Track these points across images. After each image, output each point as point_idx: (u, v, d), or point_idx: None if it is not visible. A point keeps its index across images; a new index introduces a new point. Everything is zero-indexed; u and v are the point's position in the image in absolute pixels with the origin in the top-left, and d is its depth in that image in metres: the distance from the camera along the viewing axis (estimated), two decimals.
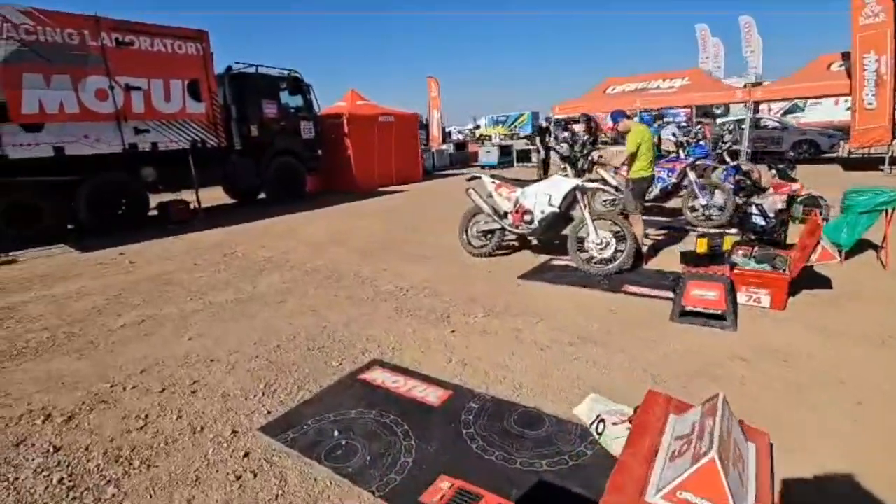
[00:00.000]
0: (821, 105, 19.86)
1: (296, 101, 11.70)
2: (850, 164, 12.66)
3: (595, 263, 4.83)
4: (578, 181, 4.88)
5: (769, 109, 20.08)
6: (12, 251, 6.89)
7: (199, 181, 9.16)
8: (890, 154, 10.73)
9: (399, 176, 14.52)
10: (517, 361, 3.08)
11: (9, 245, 6.93)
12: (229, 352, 3.44)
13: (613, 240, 4.78)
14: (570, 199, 4.95)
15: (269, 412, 2.65)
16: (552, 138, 11.46)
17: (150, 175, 8.76)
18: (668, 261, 5.07)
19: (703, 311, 3.42)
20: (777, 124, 15.36)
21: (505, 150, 19.14)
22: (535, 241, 5.87)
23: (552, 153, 11.54)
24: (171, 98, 8.61)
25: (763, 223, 4.56)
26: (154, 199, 9.30)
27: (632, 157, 4.74)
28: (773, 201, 4.58)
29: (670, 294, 4.07)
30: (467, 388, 2.77)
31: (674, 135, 8.71)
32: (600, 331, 3.47)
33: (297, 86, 11.59)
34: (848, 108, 20.23)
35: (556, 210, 4.93)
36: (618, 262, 4.67)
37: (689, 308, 3.46)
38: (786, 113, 19.63)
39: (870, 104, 10.61)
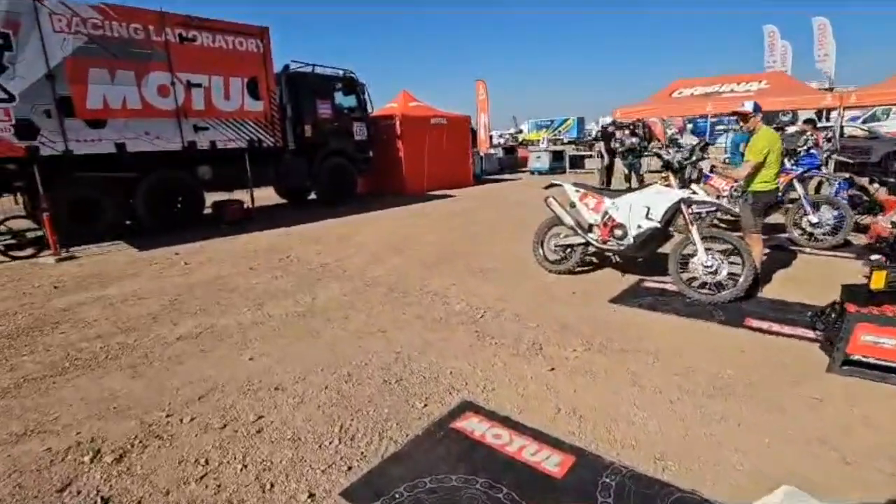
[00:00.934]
0: None
1: (349, 101, 11.45)
2: None
3: (701, 289, 4.15)
4: (684, 193, 4.21)
5: (841, 118, 18.44)
6: (73, 247, 6.84)
7: (252, 181, 8.98)
8: None
9: (449, 180, 14.07)
10: (645, 417, 2.48)
11: (70, 241, 6.89)
12: (295, 378, 3.00)
13: (725, 262, 4.09)
14: (671, 214, 4.29)
15: (349, 468, 2.17)
16: (618, 143, 10.68)
17: (206, 173, 8.64)
18: (785, 288, 4.33)
19: (875, 363, 2.71)
20: (866, 133, 13.93)
21: (557, 156, 18.38)
22: (616, 259, 5.23)
23: (617, 158, 10.81)
24: (231, 96, 8.47)
25: None
26: (209, 199, 9.21)
27: (757, 167, 4.02)
28: None
29: (809, 332, 3.38)
30: (593, 452, 2.21)
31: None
32: (738, 380, 2.82)
33: (352, 86, 11.34)
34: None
35: (657, 226, 4.29)
36: (733, 289, 3.98)
37: (855, 357, 2.76)
38: (864, 122, 17.93)
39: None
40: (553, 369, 3.02)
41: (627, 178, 10.97)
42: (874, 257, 4.24)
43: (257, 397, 2.80)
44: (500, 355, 3.25)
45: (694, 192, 4.22)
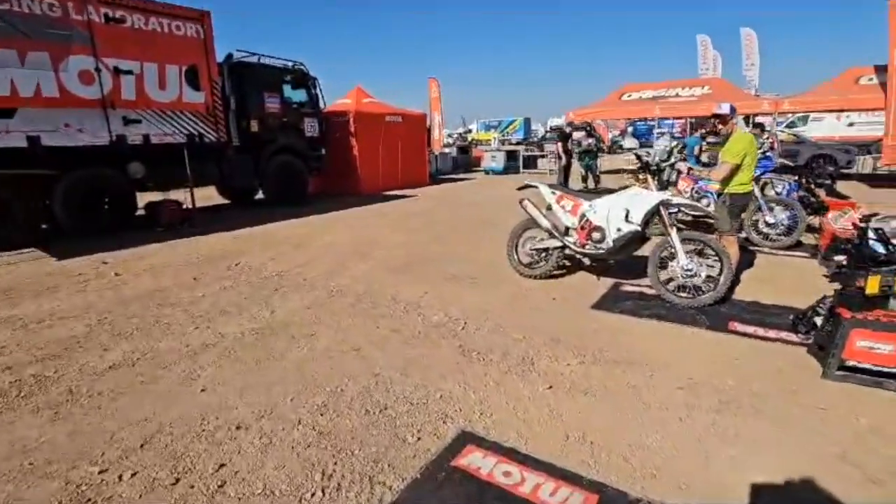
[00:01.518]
0: (823, 121, 19.72)
1: (300, 95, 10.80)
2: (875, 180, 12.29)
3: (680, 292, 4.09)
4: (663, 195, 4.14)
5: (775, 123, 19.83)
6: None
7: (193, 180, 8.20)
8: None
9: (405, 180, 13.70)
10: (659, 440, 2.29)
11: None
12: (259, 413, 2.58)
13: (704, 265, 4.05)
14: (651, 216, 4.21)
15: None
16: (575, 144, 10.77)
17: (138, 171, 7.76)
18: (755, 289, 4.37)
19: (869, 368, 2.69)
20: (794, 138, 14.99)
21: (511, 156, 18.46)
22: (587, 262, 5.10)
23: (574, 159, 10.90)
24: (167, 85, 7.65)
25: (883, 250, 3.87)
26: (142, 199, 8.30)
27: (734, 169, 4.00)
28: None
29: (793, 336, 3.37)
30: (616, 488, 1.98)
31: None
32: (741, 390, 2.71)
33: (302, 79, 10.69)
34: (850, 124, 20.23)
35: (637, 229, 4.18)
36: (712, 292, 3.94)
37: (850, 363, 2.73)
38: (787, 127, 19.38)
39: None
40: (551, 387, 2.78)
41: (584, 179, 11.10)
42: (837, 258, 4.39)
43: (215, 440, 2.35)
44: (491, 373, 2.97)
45: (673, 194, 4.16)
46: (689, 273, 4.02)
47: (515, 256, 4.98)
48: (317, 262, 5.73)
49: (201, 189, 9.83)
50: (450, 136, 35.66)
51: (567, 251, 4.67)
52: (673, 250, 4.09)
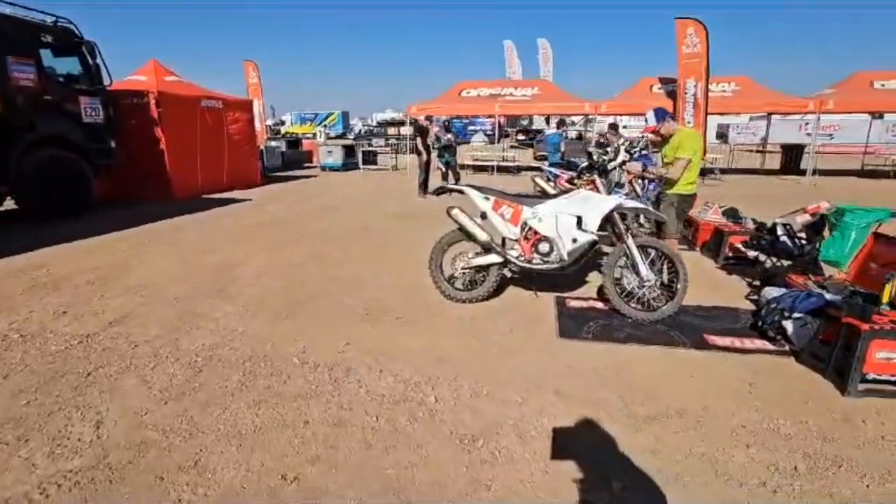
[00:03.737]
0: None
1: (70, 65, 7.72)
2: None
3: (635, 305, 3.73)
4: (618, 199, 3.70)
5: (572, 124, 22.80)
6: None
7: None
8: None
9: (233, 179, 11.29)
10: None
11: None
12: None
13: (660, 274, 3.77)
14: (604, 222, 3.74)
15: None
16: (434, 139, 10.18)
17: None
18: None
19: (890, 380, 2.60)
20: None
21: (349, 151, 17.10)
22: (510, 274, 4.44)
23: (434, 155, 10.32)
24: None
25: (791, 245, 4.15)
26: None
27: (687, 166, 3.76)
28: (804, 220, 4.21)
29: (767, 344, 3.25)
30: None
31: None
32: (785, 427, 2.33)
33: (71, 43, 7.66)
34: (608, 126, 24.58)
35: (594, 238, 3.66)
36: (671, 303, 3.66)
37: (871, 376, 2.60)
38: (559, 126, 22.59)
39: (689, 123, 12.37)
40: (624, 487, 1.97)
41: (444, 176, 10.64)
42: (752, 254, 4.62)
43: None
44: (536, 484, 2.01)
45: (625, 197, 3.76)
46: (648, 284, 3.67)
47: (442, 277, 4.04)
48: (146, 311, 3.82)
49: None
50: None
51: (512, 267, 3.93)
52: (630, 260, 3.69)
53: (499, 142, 22.91)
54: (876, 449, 2.21)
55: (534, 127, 31.51)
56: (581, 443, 2.25)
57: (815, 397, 2.64)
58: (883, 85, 12.29)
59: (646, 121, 4.00)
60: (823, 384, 2.76)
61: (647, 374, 2.90)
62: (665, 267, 3.79)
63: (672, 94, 12.89)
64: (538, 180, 6.59)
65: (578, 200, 3.76)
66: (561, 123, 13.86)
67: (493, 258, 3.90)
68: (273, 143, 17.22)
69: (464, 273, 4.03)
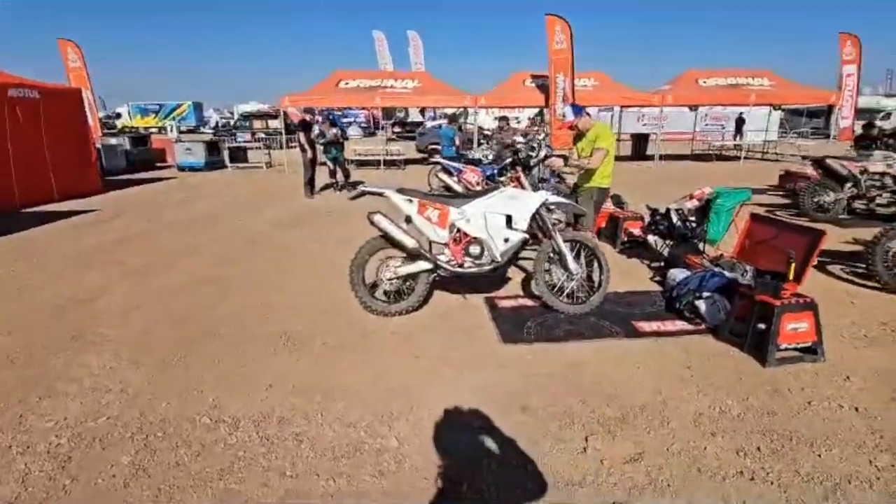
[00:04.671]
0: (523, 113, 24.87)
1: None
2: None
3: (564, 299, 3.75)
4: (544, 195, 3.66)
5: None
6: None
7: None
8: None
9: (64, 188, 9.19)
10: None
11: None
12: None
13: (585, 267, 3.83)
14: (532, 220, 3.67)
15: None
16: (319, 134, 9.39)
17: None
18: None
19: (794, 347, 2.92)
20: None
21: (212, 148, 15.15)
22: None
23: (318, 149, 9.57)
24: None
25: (685, 228, 4.55)
26: None
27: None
28: (693, 205, 4.61)
29: (686, 325, 3.49)
30: None
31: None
32: (740, 409, 2.48)
33: None
34: (495, 119, 25.97)
35: (525, 236, 3.58)
36: (598, 294, 3.74)
37: (783, 346, 2.89)
38: (451, 120, 23.25)
39: (561, 115, 13.30)
40: None
41: (332, 174, 9.94)
42: (651, 238, 4.97)
43: None
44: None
45: (550, 192, 3.73)
46: (575, 277, 3.70)
47: (363, 290, 3.63)
48: None
49: None
50: None
51: (442, 272, 3.66)
52: (558, 255, 3.68)
53: (374, 134, 22.36)
54: (809, 416, 2.44)
55: (409, 119, 31.41)
56: (571, 465, 2.11)
57: (744, 372, 2.86)
58: (705, 82, 14.53)
59: (564, 116, 4.03)
60: (745, 358, 3.01)
61: (598, 372, 2.88)
62: (586, 259, 3.87)
63: (543, 88, 13.73)
64: (441, 175, 6.42)
65: (506, 198, 3.64)
66: (453, 119, 13.91)
67: (423, 265, 3.61)
68: (113, 141, 14.53)
69: (391, 283, 3.67)
